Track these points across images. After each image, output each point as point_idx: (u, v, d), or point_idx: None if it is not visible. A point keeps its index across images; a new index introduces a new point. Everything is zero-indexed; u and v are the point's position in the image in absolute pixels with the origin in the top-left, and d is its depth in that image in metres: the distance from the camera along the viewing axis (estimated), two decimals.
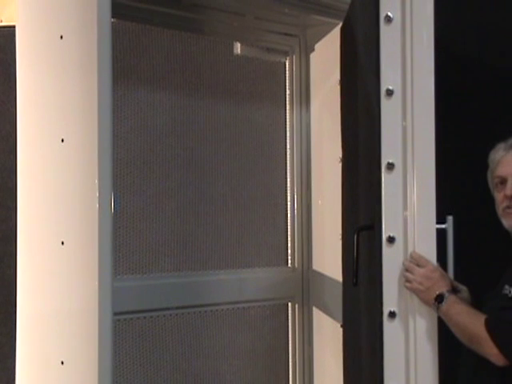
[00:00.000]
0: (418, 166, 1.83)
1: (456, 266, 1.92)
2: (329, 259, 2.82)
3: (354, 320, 2.22)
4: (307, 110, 3.05)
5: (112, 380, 1.77)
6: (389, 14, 1.85)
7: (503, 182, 1.92)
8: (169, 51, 2.66)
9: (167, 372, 2.62)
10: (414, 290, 1.83)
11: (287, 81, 3.05)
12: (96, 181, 1.75)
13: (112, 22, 1.82)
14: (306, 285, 3.04)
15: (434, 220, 1.83)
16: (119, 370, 2.45)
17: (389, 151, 1.85)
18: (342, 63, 2.46)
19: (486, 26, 2.42)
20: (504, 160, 1.94)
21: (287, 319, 3.03)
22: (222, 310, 2.78)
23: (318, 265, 2.98)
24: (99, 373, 1.73)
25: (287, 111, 3.04)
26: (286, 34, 3.03)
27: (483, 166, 2.02)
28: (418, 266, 1.82)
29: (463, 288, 2.00)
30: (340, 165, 2.51)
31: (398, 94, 1.85)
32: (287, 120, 3.04)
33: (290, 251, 3.04)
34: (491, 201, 1.98)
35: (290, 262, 3.04)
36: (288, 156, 3.04)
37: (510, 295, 1.78)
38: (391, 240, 1.83)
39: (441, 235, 1.87)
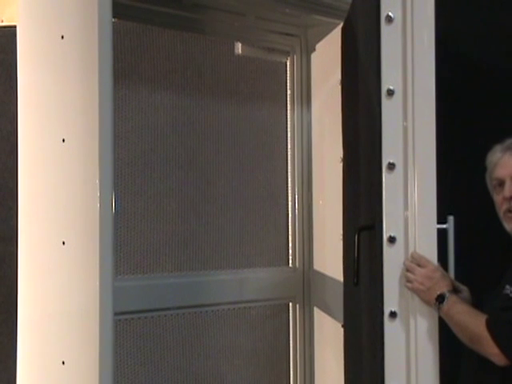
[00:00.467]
0: (418, 166, 1.83)
1: (457, 266, 1.92)
2: (330, 259, 2.82)
3: (354, 320, 2.22)
4: (308, 109, 3.05)
5: (113, 380, 1.77)
6: (390, 14, 1.85)
7: (501, 184, 1.92)
8: (170, 51, 2.65)
9: (168, 372, 2.62)
10: (414, 290, 1.83)
11: (288, 81, 3.04)
12: (97, 181, 1.75)
13: (113, 22, 1.82)
14: (307, 285, 3.04)
15: (435, 220, 1.83)
16: (120, 370, 2.45)
17: (389, 151, 1.85)
18: (342, 63, 2.46)
19: (486, 26, 2.42)
20: (501, 162, 1.93)
21: (288, 319, 3.02)
22: (223, 310, 2.78)
23: (318, 265, 2.97)
24: (100, 373, 1.73)
25: (288, 111, 3.04)
26: (287, 34, 3.03)
27: (484, 165, 2.02)
28: (419, 266, 1.82)
29: (464, 288, 2.00)
30: (341, 165, 2.51)
31: (398, 94, 1.85)
32: (288, 120, 3.03)
33: (290, 251, 3.03)
34: (492, 201, 1.98)
35: (290, 261, 3.04)
36: (289, 156, 3.04)
37: (510, 295, 1.78)
38: (392, 240, 1.83)
39: (441, 235, 1.87)
